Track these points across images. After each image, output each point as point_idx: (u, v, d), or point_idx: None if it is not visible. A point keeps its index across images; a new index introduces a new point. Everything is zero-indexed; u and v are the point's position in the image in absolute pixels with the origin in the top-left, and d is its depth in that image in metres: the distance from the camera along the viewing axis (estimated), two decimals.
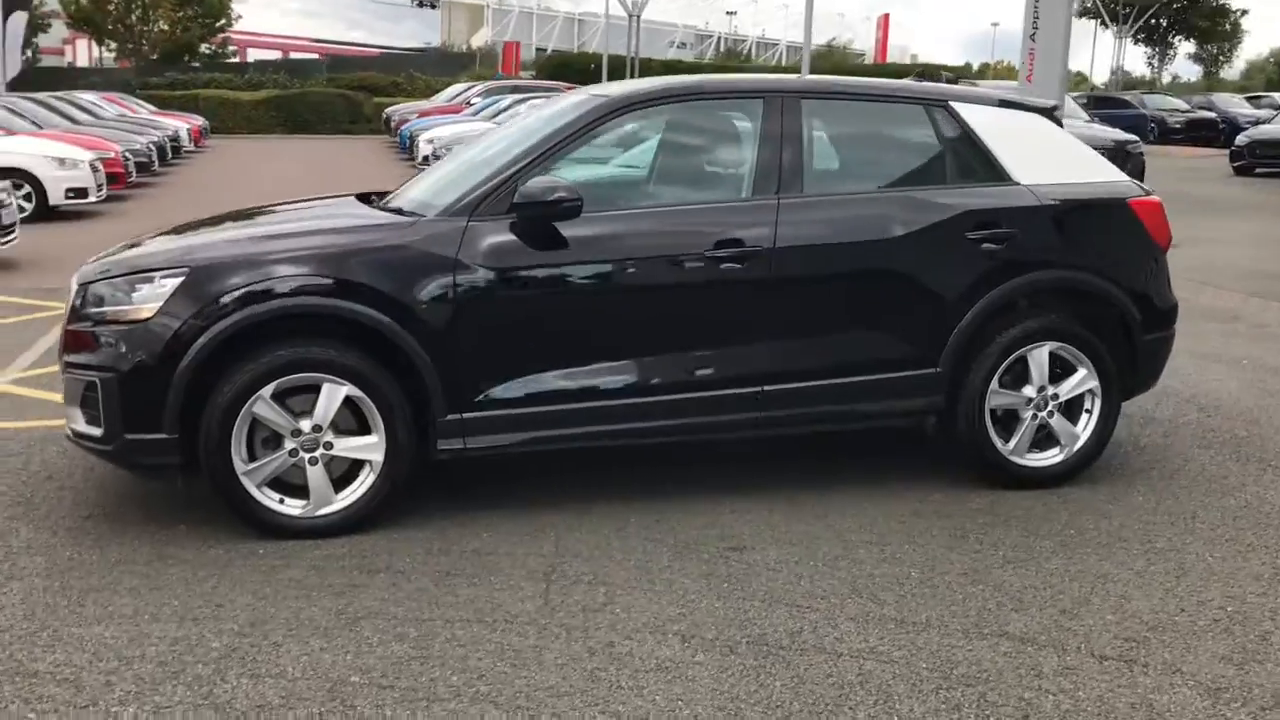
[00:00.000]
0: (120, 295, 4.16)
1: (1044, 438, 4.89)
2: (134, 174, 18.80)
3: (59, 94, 25.39)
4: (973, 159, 4.86)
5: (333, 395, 4.17)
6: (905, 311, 4.67)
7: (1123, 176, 5.09)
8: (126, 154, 18.56)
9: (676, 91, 4.76)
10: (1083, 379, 4.87)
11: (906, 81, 5.91)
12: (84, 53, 61.40)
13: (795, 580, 3.92)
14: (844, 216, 4.64)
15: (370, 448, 4.24)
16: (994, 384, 4.75)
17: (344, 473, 4.29)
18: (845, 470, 5.01)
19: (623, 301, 4.45)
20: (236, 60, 57.53)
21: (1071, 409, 4.90)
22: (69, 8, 52.39)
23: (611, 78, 41.81)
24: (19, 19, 41.70)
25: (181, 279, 4.11)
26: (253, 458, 4.18)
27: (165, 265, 4.18)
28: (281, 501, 4.21)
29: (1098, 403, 4.91)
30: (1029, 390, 4.82)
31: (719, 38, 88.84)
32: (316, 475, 4.21)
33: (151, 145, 20.97)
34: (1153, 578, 4.02)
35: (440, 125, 23.49)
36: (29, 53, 48.91)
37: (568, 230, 4.31)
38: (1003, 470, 4.84)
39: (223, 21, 54.79)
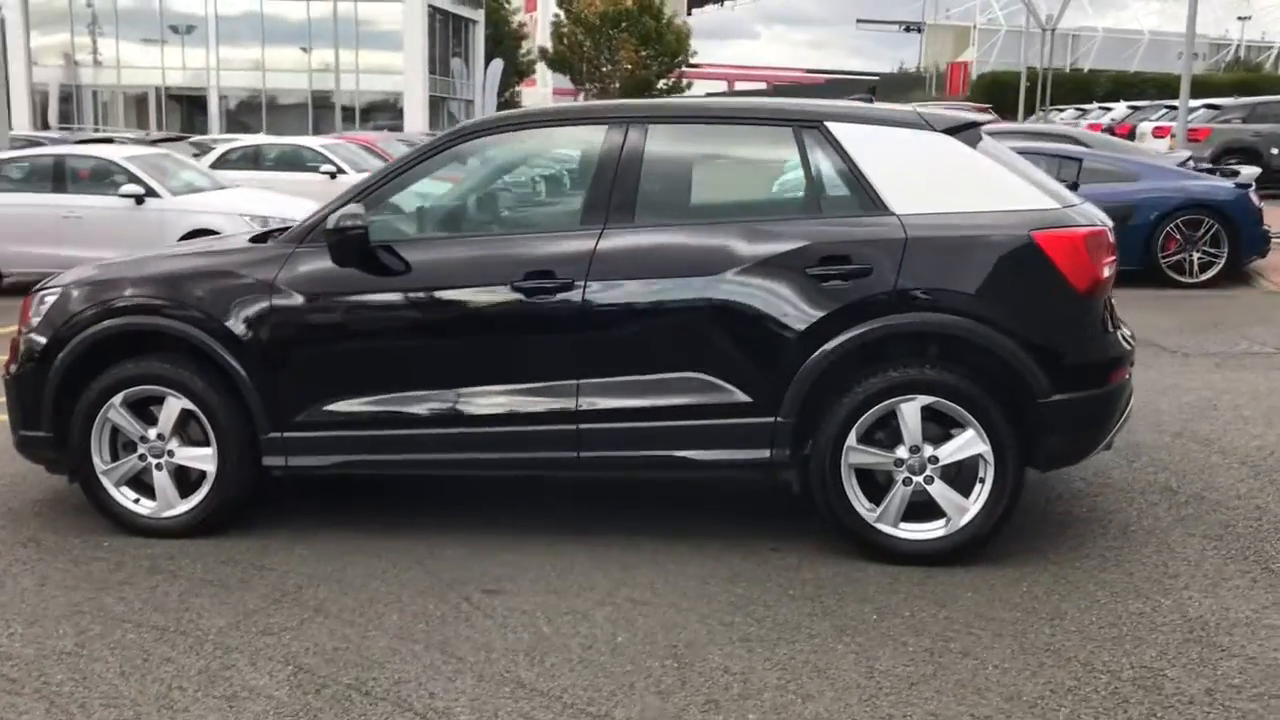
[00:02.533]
0: (32, 308, 4.81)
1: (926, 507, 4.21)
2: None
3: None
4: (845, 185, 4.29)
5: (172, 407, 4.54)
6: (736, 353, 4.22)
7: (1047, 204, 4.22)
8: None
9: (515, 120, 4.66)
10: (968, 442, 4.14)
11: (780, 101, 5.21)
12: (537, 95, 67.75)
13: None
14: (669, 248, 4.29)
15: (206, 459, 4.56)
16: (852, 439, 4.17)
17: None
18: (658, 521, 4.63)
19: (435, 330, 4.43)
20: (689, 95, 60.83)
21: (965, 476, 4.18)
22: (547, 54, 58.24)
23: (1046, 94, 39.43)
24: (497, 65, 47.04)
25: (55, 297, 4.68)
26: (116, 459, 4.65)
27: (54, 284, 4.78)
28: (136, 501, 4.64)
29: (990, 471, 4.14)
30: (901, 450, 4.18)
31: (1236, 45, 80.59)
32: (162, 480, 4.60)
33: None
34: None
35: None
36: (507, 94, 54.80)
37: (387, 258, 4.38)
38: (865, 540, 4.22)
39: (680, 58, 58.21)
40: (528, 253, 4.34)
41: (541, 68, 62.65)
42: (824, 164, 4.31)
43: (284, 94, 46.31)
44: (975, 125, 4.42)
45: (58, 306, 4.65)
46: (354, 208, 4.32)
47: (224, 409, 4.49)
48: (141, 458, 4.61)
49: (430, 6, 45.51)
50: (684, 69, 60.22)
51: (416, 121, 43.01)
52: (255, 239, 4.97)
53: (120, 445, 4.65)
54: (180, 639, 3.69)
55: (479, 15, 51.73)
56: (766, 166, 4.52)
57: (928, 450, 4.16)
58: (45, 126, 42.90)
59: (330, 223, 4.30)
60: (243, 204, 12.26)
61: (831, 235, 4.19)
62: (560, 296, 4.25)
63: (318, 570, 4.24)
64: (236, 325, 4.44)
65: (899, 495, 4.20)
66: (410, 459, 4.47)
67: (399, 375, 4.45)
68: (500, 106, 51.57)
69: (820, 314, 4.13)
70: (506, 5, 61.07)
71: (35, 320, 4.70)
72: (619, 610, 3.86)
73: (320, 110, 45.72)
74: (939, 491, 4.18)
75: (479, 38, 52.11)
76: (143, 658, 3.56)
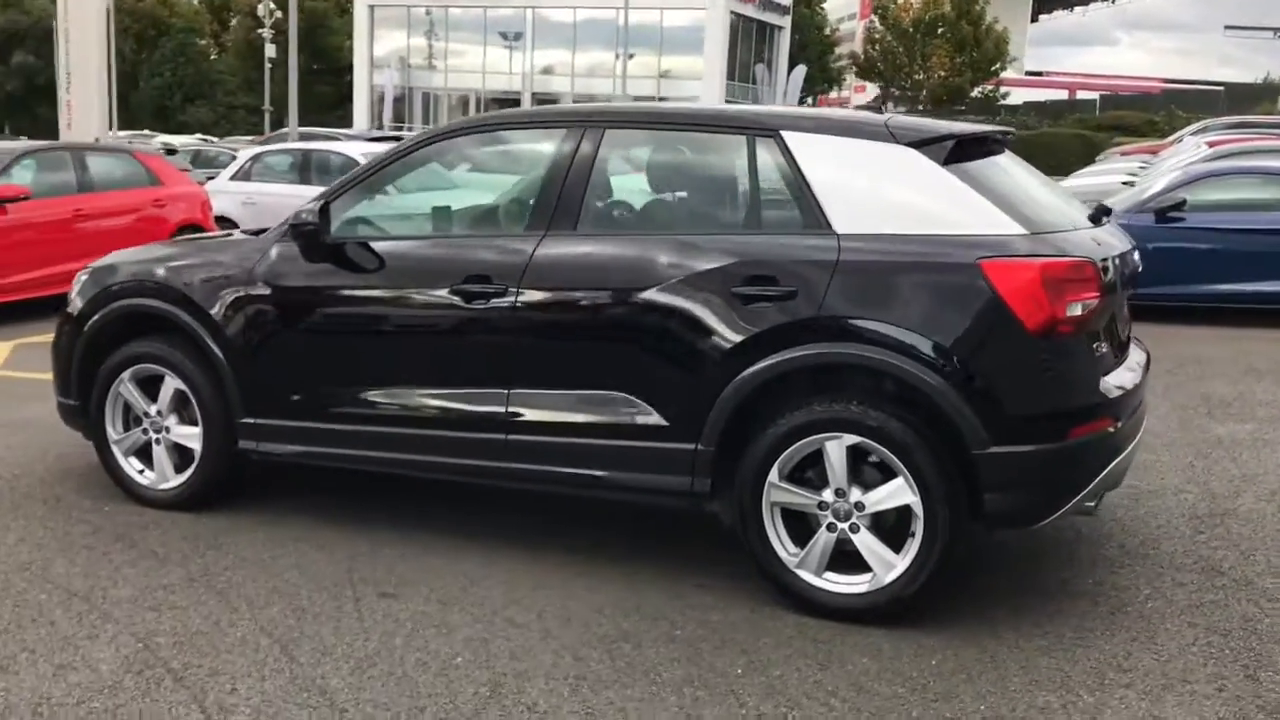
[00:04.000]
0: (74, 285, 5.21)
1: (856, 558, 3.80)
2: None
3: None
4: (791, 199, 3.92)
5: (169, 387, 4.81)
6: (658, 374, 3.96)
7: (1011, 229, 3.67)
8: None
9: (482, 123, 4.56)
10: (896, 491, 3.70)
11: (741, 108, 4.72)
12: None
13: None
14: (600, 259, 4.09)
15: (195, 437, 4.79)
16: (774, 475, 3.82)
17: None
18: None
19: (382, 329, 4.44)
20: (1004, 103, 58.16)
21: (899, 529, 3.74)
22: (857, 61, 57.35)
23: None
24: (799, 72, 46.96)
25: (87, 276, 5.05)
26: (127, 431, 4.97)
27: (91, 264, 5.16)
28: (141, 472, 4.95)
29: (920, 526, 3.68)
30: (827, 493, 3.79)
31: None
32: (159, 454, 4.88)
33: None
34: None
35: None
36: (809, 101, 54.41)
37: (346, 256, 4.43)
38: (784, 586, 3.87)
39: (997, 65, 55.75)
40: (471, 256, 4.27)
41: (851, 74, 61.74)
42: (773, 176, 3.97)
43: (590, 98, 48.18)
44: (962, 139, 3.91)
45: (87, 285, 5.02)
46: (311, 205, 4.41)
47: (208, 391, 4.70)
48: (145, 431, 4.91)
49: (733, 13, 45.93)
50: (1001, 76, 57.61)
51: None
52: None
53: (131, 418, 4.97)
54: (78, 604, 3.89)
55: (785, 21, 51.69)
56: (716, 176, 4.22)
57: (854, 495, 3.75)
58: (380, 125, 46.78)
59: (291, 218, 4.41)
60: None
61: (760, 253, 3.86)
62: (493, 303, 4.15)
63: (255, 554, 4.35)
64: (219, 312, 4.63)
65: (822, 541, 3.82)
66: (360, 455, 4.50)
67: (350, 371, 4.50)
68: None
69: (741, 338, 3.81)
70: (820, 11, 60.70)
71: (72, 296, 5.10)
72: (487, 629, 3.73)
73: None
74: (864, 542, 3.77)
75: (784, 44, 52.08)
76: (32, 618, 3.78)
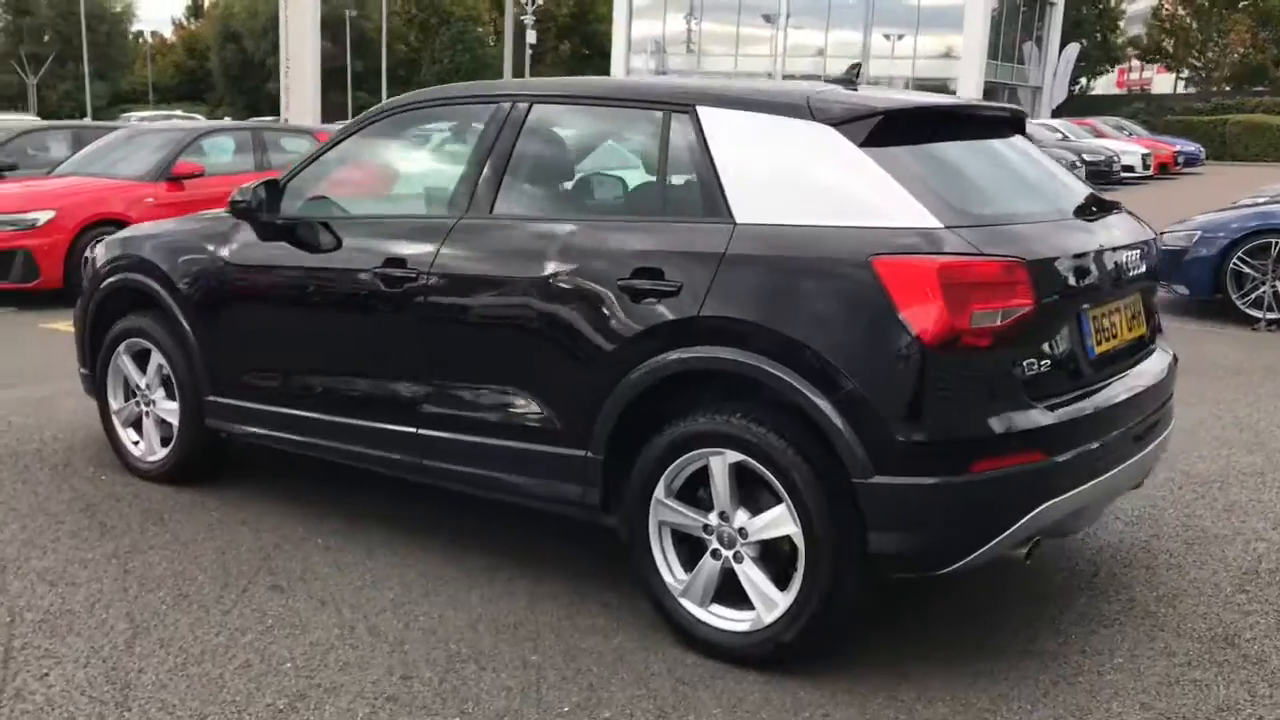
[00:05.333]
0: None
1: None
2: None
3: None
4: (697, 182, 3.46)
5: (154, 361, 4.86)
6: (550, 372, 3.61)
7: (924, 222, 3.07)
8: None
9: (423, 100, 4.28)
10: (778, 519, 3.21)
11: (670, 80, 4.09)
12: (1166, 82, 61.39)
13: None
14: (504, 245, 3.77)
15: (174, 413, 4.83)
16: (660, 491, 3.41)
17: None
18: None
19: (314, 312, 4.28)
20: None
21: (792, 561, 3.26)
22: (1140, 40, 53.32)
23: None
24: (1071, 51, 44.14)
25: (101, 248, 5.17)
26: (127, 401, 5.08)
27: (108, 237, 5.28)
28: (136, 444, 5.04)
29: (801, 562, 3.18)
30: (713, 515, 3.35)
31: None
32: (148, 426, 4.95)
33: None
34: None
35: None
36: (1081, 82, 51.08)
37: (290, 236, 4.30)
38: (666, 613, 3.46)
39: None
40: (394, 238, 4.05)
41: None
42: (683, 156, 3.52)
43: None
44: (896, 115, 3.33)
45: (100, 257, 5.14)
46: (250, 184, 4.32)
47: (182, 368, 4.72)
48: (137, 404, 4.99)
49: None
50: None
51: None
52: None
53: (129, 390, 5.06)
54: None
55: None
56: (630, 157, 3.80)
57: (739, 519, 3.30)
58: None
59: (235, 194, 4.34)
60: None
61: (650, 243, 3.43)
62: (406, 288, 3.92)
63: (190, 535, 4.31)
64: (189, 289, 4.63)
65: (706, 569, 3.38)
66: (303, 441, 4.39)
67: (289, 355, 4.40)
68: (1072, 95, 48.26)
69: (625, 337, 3.41)
70: None
71: (86, 270, 5.25)
72: (341, 636, 3.49)
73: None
74: (747, 574, 3.30)
75: (1056, 20, 48.99)
76: None
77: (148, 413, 4.94)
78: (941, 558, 3.11)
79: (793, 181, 3.33)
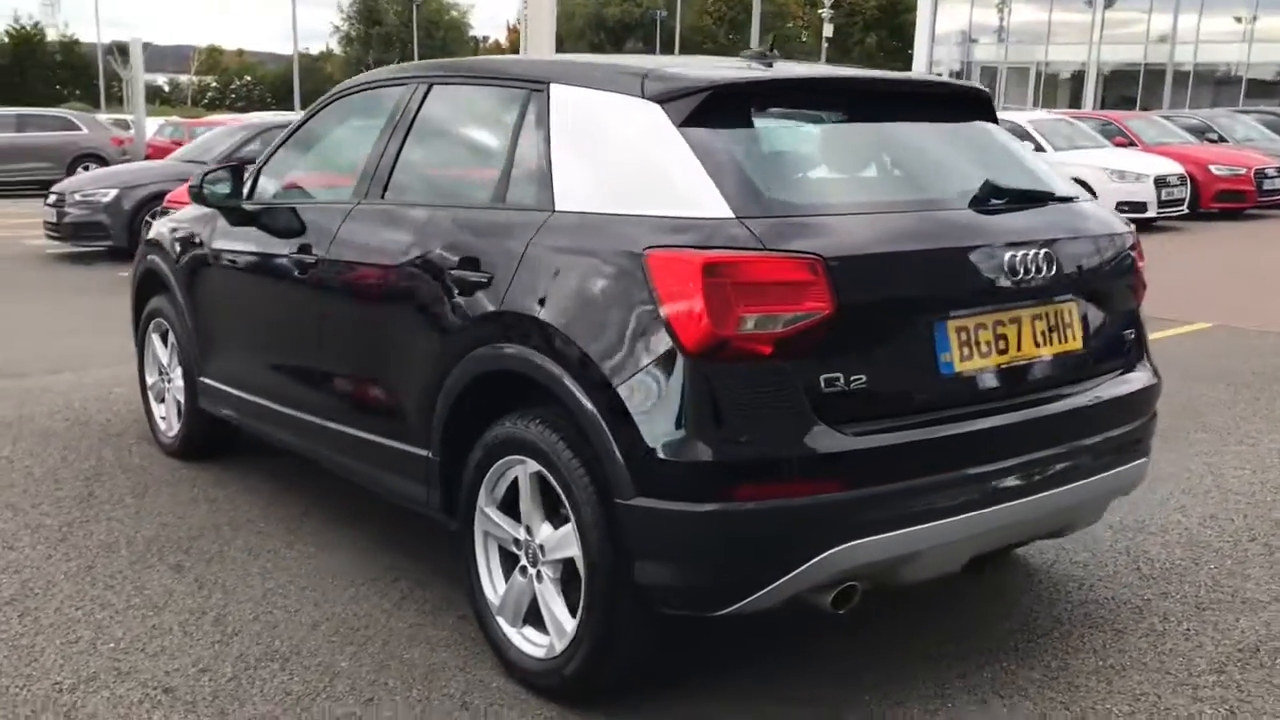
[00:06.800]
0: None
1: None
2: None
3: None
4: (536, 167, 3.14)
5: (170, 341, 5.06)
6: (401, 366, 3.43)
7: (714, 212, 2.62)
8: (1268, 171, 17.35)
9: (360, 84, 4.15)
10: (565, 539, 2.89)
11: (542, 58, 3.54)
12: None
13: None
14: (374, 231, 3.65)
15: (180, 390, 5.01)
16: (483, 498, 3.16)
17: None
18: None
19: (249, 298, 4.35)
20: None
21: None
22: None
23: None
24: None
25: (149, 229, 5.43)
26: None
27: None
28: (164, 419, 5.27)
29: (584, 588, 2.84)
30: (521, 529, 3.07)
31: None
32: (169, 403, 5.16)
33: None
34: None
35: None
36: None
37: (244, 222, 4.32)
38: (483, 629, 3.20)
39: None
40: (308, 224, 3.99)
41: None
42: (531, 138, 3.22)
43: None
44: (722, 90, 2.88)
45: (144, 238, 5.42)
46: (205, 170, 4.39)
47: (184, 349, 4.88)
48: (162, 379, 5.22)
49: None
50: None
51: None
52: None
53: (160, 367, 5.30)
54: None
55: None
56: (492, 139, 3.49)
57: (542, 535, 3.00)
58: None
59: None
60: (1108, 160, 15.45)
61: (475, 231, 3.22)
62: (309, 274, 3.86)
63: (151, 509, 4.43)
64: (184, 274, 4.78)
65: (516, 587, 3.10)
66: (257, 427, 4.44)
67: (240, 339, 4.49)
68: None
69: (450, 331, 3.19)
70: None
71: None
72: (183, 622, 3.44)
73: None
74: (544, 595, 3.00)
75: None
76: None
77: (167, 390, 5.15)
78: (715, 597, 2.68)
79: (613, 165, 2.99)
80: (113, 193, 12.28)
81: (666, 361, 2.59)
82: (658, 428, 2.60)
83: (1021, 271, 2.86)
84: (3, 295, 10.06)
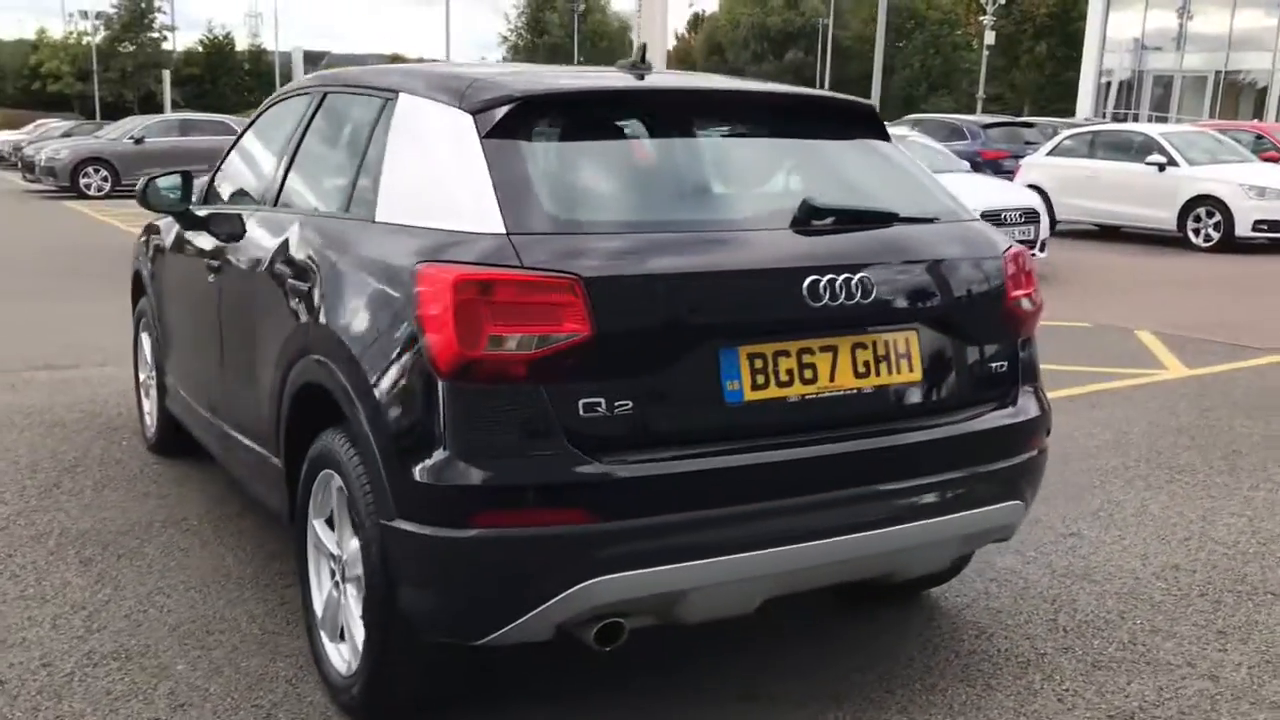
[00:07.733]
0: None
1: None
2: None
3: None
4: (371, 178, 3.10)
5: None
6: (259, 372, 3.45)
7: (487, 227, 2.51)
8: None
9: (284, 94, 4.18)
10: (355, 555, 2.84)
11: (410, 66, 3.35)
12: None
13: None
14: (253, 239, 3.69)
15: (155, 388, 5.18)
16: (311, 509, 3.14)
17: None
18: None
19: (178, 302, 4.46)
20: None
21: None
22: None
23: None
24: None
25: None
26: None
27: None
28: (150, 413, 5.45)
29: (363, 606, 2.79)
30: (335, 544, 3.04)
31: None
32: (149, 402, 5.35)
33: None
34: None
35: None
36: None
37: (188, 226, 4.44)
38: (310, 641, 3.18)
39: None
40: (222, 231, 4.04)
41: None
42: (376, 148, 3.17)
43: None
44: (533, 101, 2.78)
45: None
46: (150, 174, 4.51)
47: (156, 347, 5.05)
48: (149, 377, 5.41)
49: None
50: None
51: None
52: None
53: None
54: None
55: None
56: (353, 148, 3.44)
57: (347, 549, 2.95)
58: (1102, 114, 43.83)
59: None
60: (1244, 176, 14.86)
61: (311, 243, 3.20)
62: (215, 279, 3.93)
63: (107, 502, 4.59)
64: (152, 272, 4.94)
65: (332, 601, 3.07)
66: (187, 425, 4.56)
67: (177, 339, 4.64)
68: None
69: (282, 339, 3.18)
70: None
71: None
72: (58, 615, 3.53)
73: None
74: (345, 610, 2.96)
75: None
76: None
77: (151, 388, 5.33)
78: (471, 626, 2.59)
79: (424, 176, 2.93)
80: None
81: (425, 381, 2.52)
82: (415, 449, 2.53)
83: (827, 297, 2.66)
84: (117, 290, 10.62)
